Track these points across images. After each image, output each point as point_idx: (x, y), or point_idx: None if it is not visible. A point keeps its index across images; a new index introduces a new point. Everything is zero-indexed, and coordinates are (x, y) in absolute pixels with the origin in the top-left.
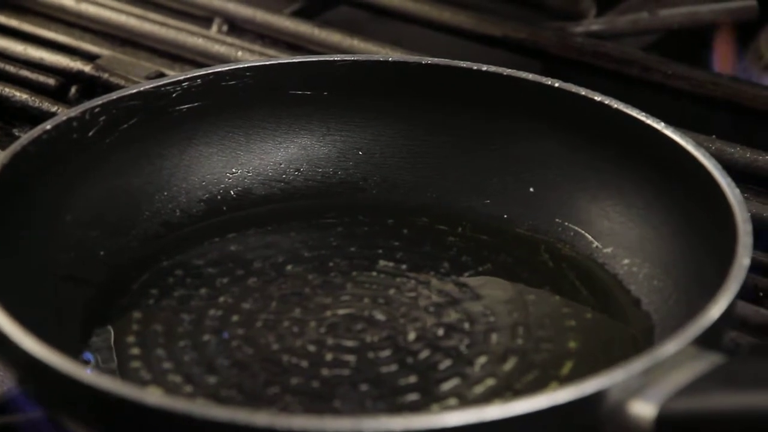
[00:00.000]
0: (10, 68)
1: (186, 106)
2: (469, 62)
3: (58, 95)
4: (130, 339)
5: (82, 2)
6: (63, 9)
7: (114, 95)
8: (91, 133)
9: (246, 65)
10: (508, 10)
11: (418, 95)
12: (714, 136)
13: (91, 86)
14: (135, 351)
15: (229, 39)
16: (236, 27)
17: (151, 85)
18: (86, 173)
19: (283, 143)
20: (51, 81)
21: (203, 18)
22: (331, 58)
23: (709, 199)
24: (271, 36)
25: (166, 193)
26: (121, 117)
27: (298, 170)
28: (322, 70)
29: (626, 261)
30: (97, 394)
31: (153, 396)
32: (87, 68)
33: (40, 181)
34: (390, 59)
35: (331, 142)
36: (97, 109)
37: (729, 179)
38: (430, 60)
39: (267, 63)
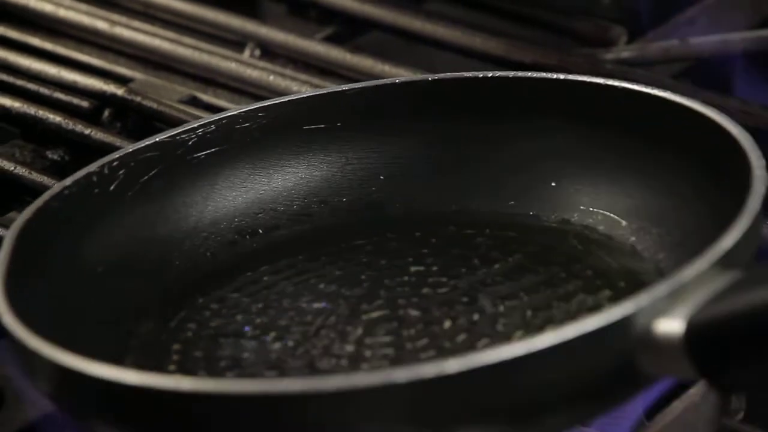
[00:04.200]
0: (45, 91)
1: (204, 152)
2: (474, 72)
3: (91, 118)
4: (172, 367)
5: (116, 26)
6: (97, 32)
7: (130, 148)
8: (112, 187)
9: (256, 106)
10: (538, 36)
11: (428, 111)
12: None
13: (124, 109)
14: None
15: (261, 63)
16: (269, 52)
17: (167, 135)
18: (112, 226)
19: (305, 178)
20: (84, 104)
21: (236, 42)
22: (341, 89)
23: (725, 156)
24: (302, 61)
25: (195, 239)
26: (140, 169)
27: (323, 202)
28: (332, 101)
29: (654, 231)
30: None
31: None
32: (120, 91)
33: (66, 235)
34: (396, 80)
35: (351, 171)
36: (115, 163)
37: (739, 128)
38: (436, 76)
39: (277, 102)
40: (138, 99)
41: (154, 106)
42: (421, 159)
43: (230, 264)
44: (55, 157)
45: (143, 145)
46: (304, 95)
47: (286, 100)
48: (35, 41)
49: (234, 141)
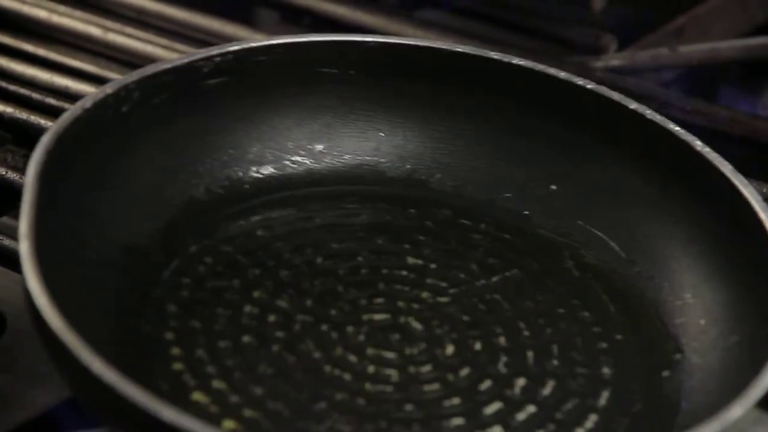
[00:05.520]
0: (37, 96)
1: (215, 80)
2: (501, 53)
3: None
4: (169, 336)
5: (109, 32)
6: (90, 39)
7: (149, 70)
8: (123, 109)
9: (278, 42)
10: (530, 44)
11: (445, 82)
12: None
13: None
14: (176, 351)
15: None
16: None
17: (186, 60)
18: (116, 151)
19: (306, 120)
20: None
21: None
22: (362, 39)
23: (742, 221)
24: None
25: (190, 169)
26: (153, 92)
27: (320, 150)
28: (351, 49)
29: (651, 275)
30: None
31: None
32: None
33: (78, 162)
34: (421, 44)
35: (353, 121)
36: (132, 86)
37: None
38: (461, 48)
39: (298, 40)
40: None
41: None
42: (426, 126)
43: (222, 208)
44: None
45: (161, 68)
46: (324, 38)
47: (306, 40)
48: (28, 47)
49: (247, 73)
